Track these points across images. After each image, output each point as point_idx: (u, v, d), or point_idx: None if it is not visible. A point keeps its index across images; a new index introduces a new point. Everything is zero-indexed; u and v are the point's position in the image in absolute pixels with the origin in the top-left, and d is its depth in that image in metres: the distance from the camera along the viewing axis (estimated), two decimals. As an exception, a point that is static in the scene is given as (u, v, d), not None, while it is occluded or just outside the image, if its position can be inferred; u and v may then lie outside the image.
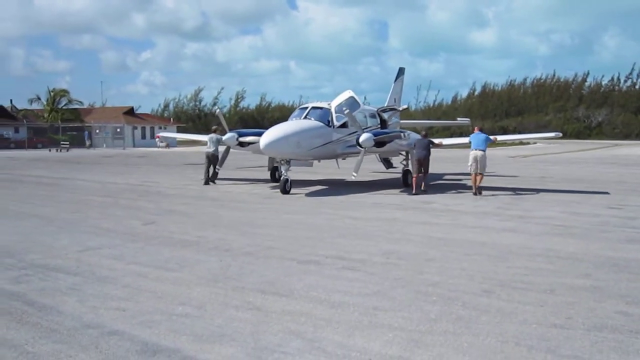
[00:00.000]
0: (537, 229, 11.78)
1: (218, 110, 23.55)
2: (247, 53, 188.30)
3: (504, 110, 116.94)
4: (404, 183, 20.78)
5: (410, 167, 20.63)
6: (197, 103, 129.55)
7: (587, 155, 46.97)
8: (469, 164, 18.25)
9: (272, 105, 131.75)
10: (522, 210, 14.59)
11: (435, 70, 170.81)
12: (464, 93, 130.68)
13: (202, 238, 10.76)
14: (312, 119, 19.80)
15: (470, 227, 11.92)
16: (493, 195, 17.85)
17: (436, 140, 20.86)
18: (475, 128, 19.74)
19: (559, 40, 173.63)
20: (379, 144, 18.97)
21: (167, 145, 68.46)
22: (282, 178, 18.57)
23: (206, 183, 21.65)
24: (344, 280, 7.75)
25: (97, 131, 69.96)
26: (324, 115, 20.05)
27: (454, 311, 6.41)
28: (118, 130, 69.60)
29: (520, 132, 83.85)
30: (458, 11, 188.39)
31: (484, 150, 18.12)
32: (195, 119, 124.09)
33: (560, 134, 27.06)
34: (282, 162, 18.76)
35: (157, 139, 69.17)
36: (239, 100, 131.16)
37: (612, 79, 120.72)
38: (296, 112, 21.20)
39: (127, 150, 59.58)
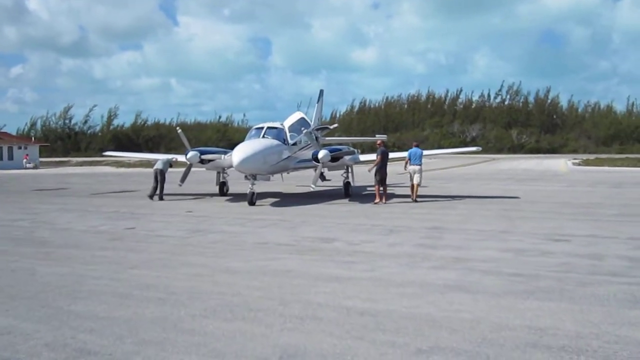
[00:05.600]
0: (492, 283, 8.28)
1: (179, 130, 24.21)
2: (126, 70, 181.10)
3: (381, 126, 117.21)
4: (346, 194, 23.06)
5: (350, 180, 23.52)
6: (67, 121, 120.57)
7: (476, 171, 45.54)
8: (410, 176, 20.87)
9: (149, 123, 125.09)
10: (452, 248, 11.18)
11: (317, 87, 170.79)
12: (342, 109, 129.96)
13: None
14: (270, 137, 21.25)
15: (399, 285, 8.22)
16: (408, 224, 14.52)
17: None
18: (414, 144, 21.81)
19: (435, 59, 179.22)
20: (333, 159, 21.48)
21: (35, 167, 62.59)
22: (249, 191, 19.97)
23: (151, 197, 22.61)
24: None
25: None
26: (280, 134, 21.78)
27: None
28: (-33, 150, 61.45)
29: (399, 148, 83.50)
30: (340, 30, 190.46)
31: (420, 165, 20.67)
32: (65, 137, 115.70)
33: (481, 149, 31.74)
34: (249, 177, 20.17)
35: (24, 160, 63.44)
36: (111, 117, 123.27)
37: (483, 95, 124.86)
38: (253, 132, 22.33)
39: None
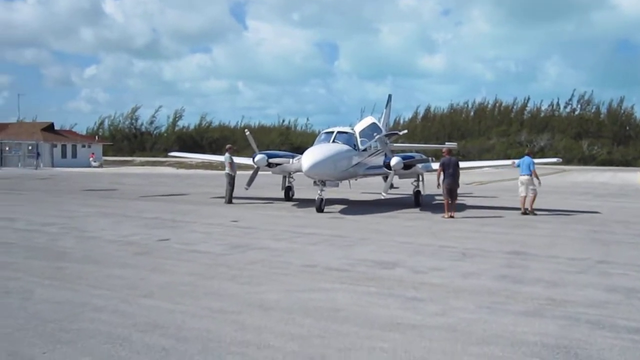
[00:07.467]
0: (608, 344, 6.06)
1: (248, 132, 23.35)
2: (195, 72, 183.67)
3: (446, 134, 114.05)
4: (416, 203, 22.33)
5: (420, 188, 22.77)
6: (134, 121, 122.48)
7: (549, 182, 42.49)
8: (519, 187, 19.80)
9: (213, 125, 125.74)
10: (542, 284, 8.94)
11: (382, 92, 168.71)
12: (407, 116, 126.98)
13: None
14: (340, 142, 20.53)
15: (481, 341, 6.11)
16: (483, 250, 12.36)
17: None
18: (527, 152, 21.28)
19: (504, 66, 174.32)
20: (406, 167, 20.70)
21: (100, 165, 63.65)
22: (317, 197, 19.40)
23: (227, 202, 22.23)
24: None
25: (7, 148, 62.70)
26: (350, 139, 20.96)
27: None
28: (30, 147, 61.91)
29: (464, 156, 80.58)
30: (408, 36, 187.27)
31: (529, 175, 19.35)
32: (131, 137, 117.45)
33: (561, 160, 30.16)
34: (318, 182, 19.49)
35: (90, 158, 64.24)
36: (176, 119, 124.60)
37: (552, 104, 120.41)
38: (322, 136, 21.79)
39: (39, 171, 52.34)
